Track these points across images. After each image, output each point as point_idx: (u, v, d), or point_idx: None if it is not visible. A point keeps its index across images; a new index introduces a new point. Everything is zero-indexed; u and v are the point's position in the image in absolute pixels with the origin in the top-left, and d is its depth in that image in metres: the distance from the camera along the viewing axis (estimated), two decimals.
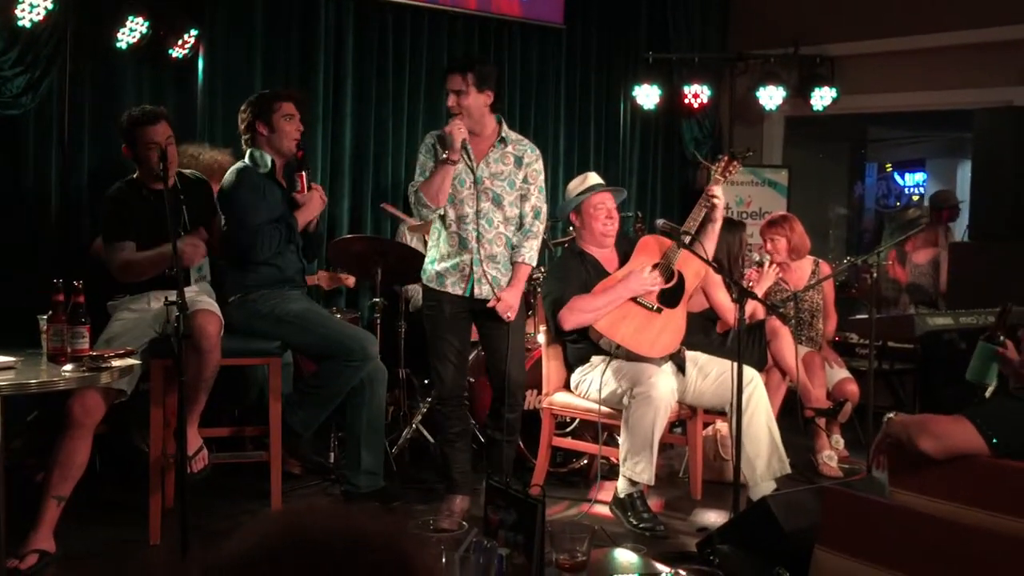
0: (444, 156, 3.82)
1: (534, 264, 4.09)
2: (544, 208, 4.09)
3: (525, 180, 4.00)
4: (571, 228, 4.59)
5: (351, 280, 5.27)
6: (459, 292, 3.95)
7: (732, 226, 4.87)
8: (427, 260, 4.05)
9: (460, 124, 3.81)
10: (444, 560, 1.75)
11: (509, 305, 3.95)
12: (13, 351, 3.22)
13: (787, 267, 5.16)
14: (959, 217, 6.90)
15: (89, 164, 4.85)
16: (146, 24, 4.70)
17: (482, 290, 3.95)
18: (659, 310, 4.21)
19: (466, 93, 3.84)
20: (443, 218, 3.94)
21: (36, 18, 4.27)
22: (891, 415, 2.63)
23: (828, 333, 5.26)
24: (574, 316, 4.16)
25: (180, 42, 4.91)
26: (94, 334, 3.45)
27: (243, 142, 4.14)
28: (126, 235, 3.75)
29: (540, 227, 4.06)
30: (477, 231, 3.92)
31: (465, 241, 3.93)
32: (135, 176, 3.88)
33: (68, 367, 3.11)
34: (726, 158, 4.29)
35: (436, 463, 4.42)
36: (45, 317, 3.26)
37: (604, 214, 4.31)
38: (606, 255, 4.40)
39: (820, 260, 5.30)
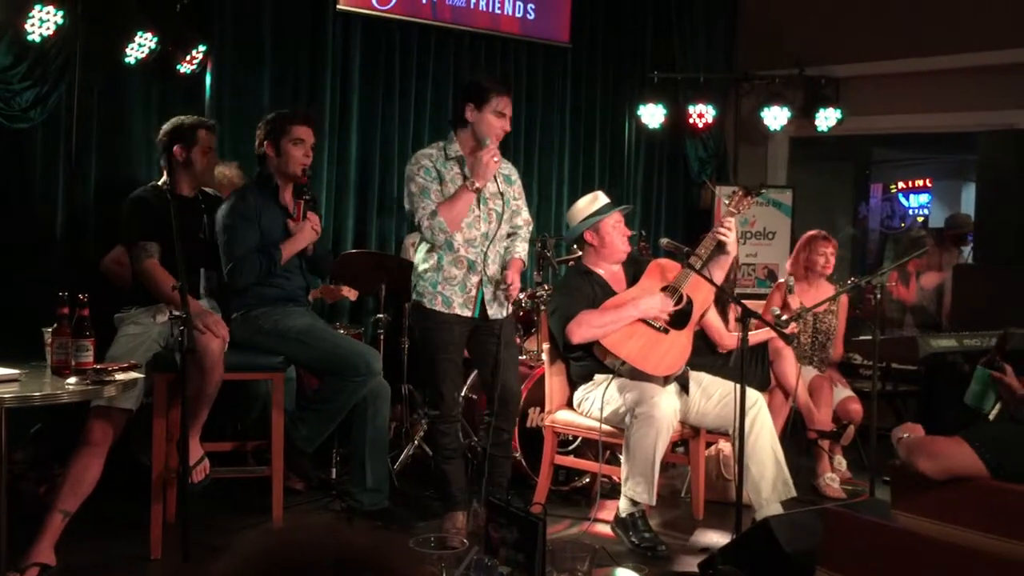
0: (472, 183, 3.83)
1: (526, 262, 4.20)
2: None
3: (514, 197, 4.11)
4: (574, 246, 4.59)
5: (353, 293, 5.28)
6: (467, 314, 3.95)
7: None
8: (426, 283, 3.95)
9: (497, 154, 3.87)
10: None
11: (517, 285, 4.04)
12: (17, 363, 3.23)
13: (815, 285, 5.15)
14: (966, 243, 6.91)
15: (96, 178, 4.87)
16: (154, 40, 4.73)
17: (492, 310, 4.00)
18: (666, 331, 4.21)
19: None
20: (447, 242, 3.91)
21: (46, 32, 4.30)
22: (903, 434, 2.63)
23: (834, 358, 5.26)
24: (582, 330, 4.16)
25: (188, 58, 4.94)
26: (100, 346, 3.47)
27: (257, 159, 4.16)
28: (150, 235, 3.79)
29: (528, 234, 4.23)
30: (484, 252, 3.95)
31: (474, 264, 3.94)
32: (160, 182, 3.95)
33: (72, 380, 3.11)
34: (740, 192, 4.31)
35: (435, 480, 4.28)
36: (50, 330, 3.27)
37: (622, 232, 4.36)
38: (614, 274, 4.41)
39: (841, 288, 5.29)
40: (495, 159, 3.84)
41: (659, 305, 4.19)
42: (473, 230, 3.93)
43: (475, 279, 3.94)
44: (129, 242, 3.87)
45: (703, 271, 4.11)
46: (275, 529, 1.23)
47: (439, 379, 3.97)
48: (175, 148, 3.93)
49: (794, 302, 4.84)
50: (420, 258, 4.01)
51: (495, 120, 3.86)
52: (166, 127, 4.01)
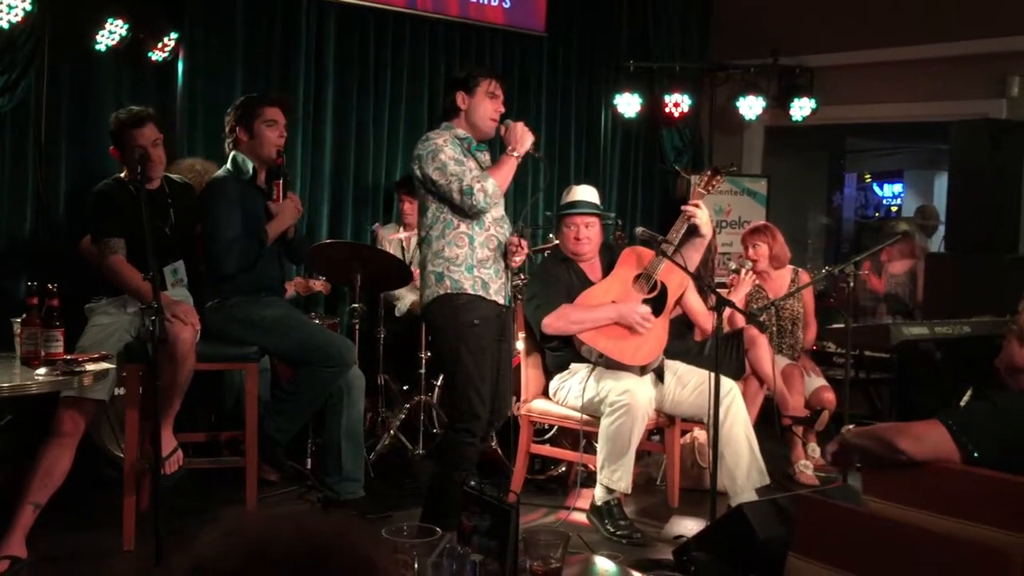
0: (512, 150, 3.64)
1: None
2: None
3: None
4: (551, 236, 4.59)
5: (326, 287, 5.28)
6: (501, 301, 3.70)
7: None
8: (460, 267, 3.61)
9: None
10: (416, 566, 1.75)
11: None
12: None
13: (767, 276, 5.19)
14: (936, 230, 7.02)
15: (66, 166, 4.81)
16: (125, 26, 4.67)
17: (508, 296, 3.82)
18: None
19: None
20: (477, 219, 3.65)
21: (14, 19, 4.23)
22: (849, 427, 2.65)
23: (807, 342, 5.30)
24: (558, 323, 4.15)
25: (160, 45, 4.88)
26: (72, 334, 3.43)
27: (226, 145, 4.13)
28: (115, 232, 3.72)
29: None
30: (505, 232, 3.79)
31: (501, 244, 3.72)
32: (123, 174, 3.86)
33: (41, 371, 3.08)
34: (709, 172, 4.31)
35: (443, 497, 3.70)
36: (19, 320, 3.24)
37: (573, 234, 4.31)
38: (590, 264, 4.40)
39: (800, 269, 5.34)
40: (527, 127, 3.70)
41: (638, 316, 4.12)
42: (499, 208, 3.77)
43: (502, 263, 3.73)
44: (93, 238, 3.81)
45: (676, 256, 4.09)
46: (246, 514, 1.22)
47: (476, 380, 3.59)
48: (111, 150, 3.82)
49: (739, 282, 4.85)
50: (443, 245, 3.64)
51: (489, 102, 3.71)
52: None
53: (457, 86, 3.74)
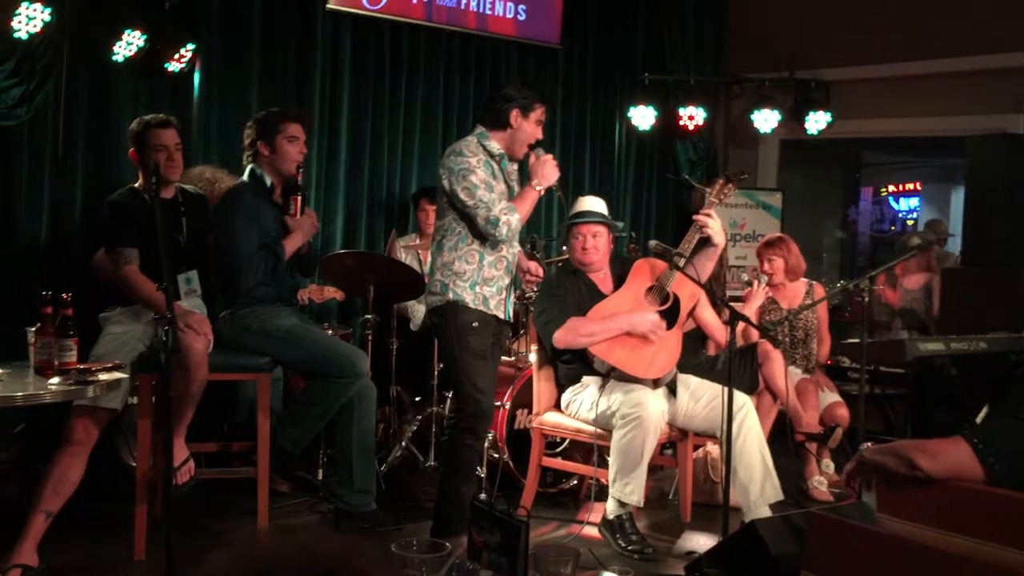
0: (537, 183, 3.73)
1: None
2: None
3: None
4: (564, 248, 4.58)
5: (340, 294, 5.28)
6: (500, 315, 3.83)
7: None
8: (465, 283, 3.71)
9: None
10: None
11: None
12: (0, 363, 3.21)
13: (783, 287, 5.17)
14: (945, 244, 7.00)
15: (83, 176, 4.85)
16: (143, 37, 4.70)
17: (510, 312, 3.93)
18: None
19: None
20: (492, 241, 3.75)
21: (33, 30, 4.28)
22: (867, 445, 2.62)
23: (821, 357, 5.26)
24: (569, 337, 4.14)
25: (177, 56, 4.92)
26: (87, 344, 3.44)
27: (245, 158, 4.14)
28: (128, 241, 3.73)
29: None
30: (515, 254, 3.91)
31: (509, 265, 3.85)
32: (137, 185, 3.88)
33: (55, 380, 3.09)
34: (721, 181, 4.28)
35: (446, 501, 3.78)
36: (33, 329, 3.25)
37: (580, 244, 4.30)
38: (600, 276, 4.39)
39: (814, 282, 5.31)
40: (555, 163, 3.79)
41: (650, 324, 4.11)
42: None
43: (507, 280, 3.85)
44: (107, 248, 3.82)
45: (688, 268, 4.07)
46: (258, 531, 1.22)
47: (482, 384, 3.70)
48: (131, 153, 3.84)
49: (752, 295, 4.80)
50: (453, 258, 3.74)
51: (535, 129, 3.78)
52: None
53: (515, 103, 3.76)
